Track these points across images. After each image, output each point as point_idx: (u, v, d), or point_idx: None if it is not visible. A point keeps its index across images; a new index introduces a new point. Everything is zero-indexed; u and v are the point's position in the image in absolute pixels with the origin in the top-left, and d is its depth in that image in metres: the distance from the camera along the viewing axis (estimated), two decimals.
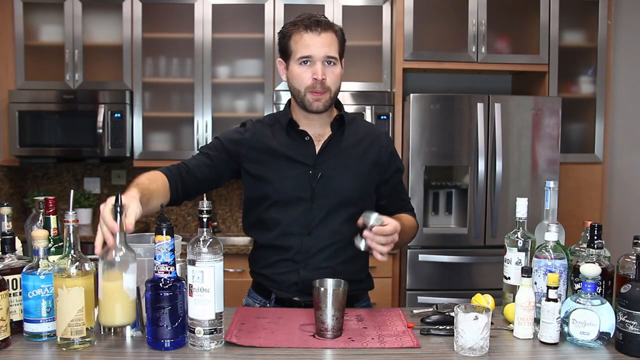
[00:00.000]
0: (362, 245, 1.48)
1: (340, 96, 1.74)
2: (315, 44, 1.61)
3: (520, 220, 1.55)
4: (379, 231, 1.46)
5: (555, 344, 1.35)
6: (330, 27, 1.64)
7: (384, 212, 1.77)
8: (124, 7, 3.43)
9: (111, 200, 1.25)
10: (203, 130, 3.45)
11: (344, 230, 1.67)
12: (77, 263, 1.30)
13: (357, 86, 3.43)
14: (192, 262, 1.28)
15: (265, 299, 1.73)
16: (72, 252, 1.31)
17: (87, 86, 3.44)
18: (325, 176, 1.67)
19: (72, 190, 1.41)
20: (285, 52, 1.67)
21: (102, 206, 1.25)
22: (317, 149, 1.70)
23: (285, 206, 1.67)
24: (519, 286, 1.41)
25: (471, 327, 1.26)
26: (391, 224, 1.48)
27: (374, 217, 1.46)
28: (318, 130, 1.72)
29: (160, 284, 1.27)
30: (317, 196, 1.66)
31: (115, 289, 1.27)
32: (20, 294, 1.37)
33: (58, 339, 1.30)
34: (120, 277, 1.27)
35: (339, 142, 1.72)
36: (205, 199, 1.33)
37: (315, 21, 1.62)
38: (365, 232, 1.46)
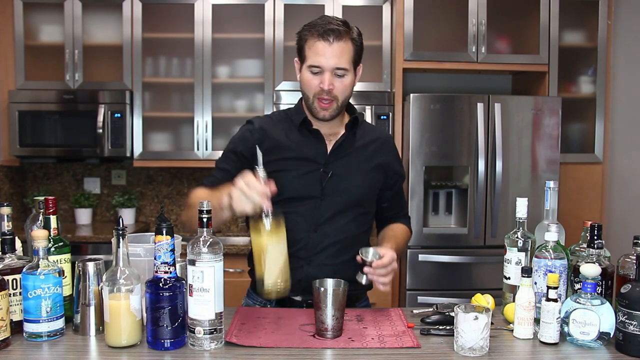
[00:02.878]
0: (363, 280, 1.54)
1: None
2: (325, 54, 1.61)
3: (520, 220, 1.55)
4: (379, 265, 1.51)
5: (555, 344, 1.35)
6: (345, 35, 1.62)
7: (384, 215, 1.86)
8: (124, 7, 3.42)
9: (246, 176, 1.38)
10: (203, 130, 3.45)
11: (350, 230, 1.70)
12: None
13: (357, 86, 3.36)
14: (192, 262, 1.28)
15: (265, 299, 1.72)
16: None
17: (87, 86, 3.44)
18: (336, 175, 1.68)
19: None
20: (300, 54, 1.69)
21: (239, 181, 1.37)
22: (329, 147, 1.71)
23: (295, 203, 1.67)
24: (519, 286, 1.41)
25: (471, 327, 1.26)
26: (387, 254, 1.54)
27: (371, 253, 1.54)
28: (330, 130, 1.73)
29: (160, 284, 1.27)
30: (327, 195, 1.68)
31: (122, 309, 1.28)
32: (20, 294, 1.37)
33: None
34: (127, 297, 1.28)
35: (351, 142, 1.73)
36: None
37: (329, 30, 1.60)
38: (366, 269, 1.52)
